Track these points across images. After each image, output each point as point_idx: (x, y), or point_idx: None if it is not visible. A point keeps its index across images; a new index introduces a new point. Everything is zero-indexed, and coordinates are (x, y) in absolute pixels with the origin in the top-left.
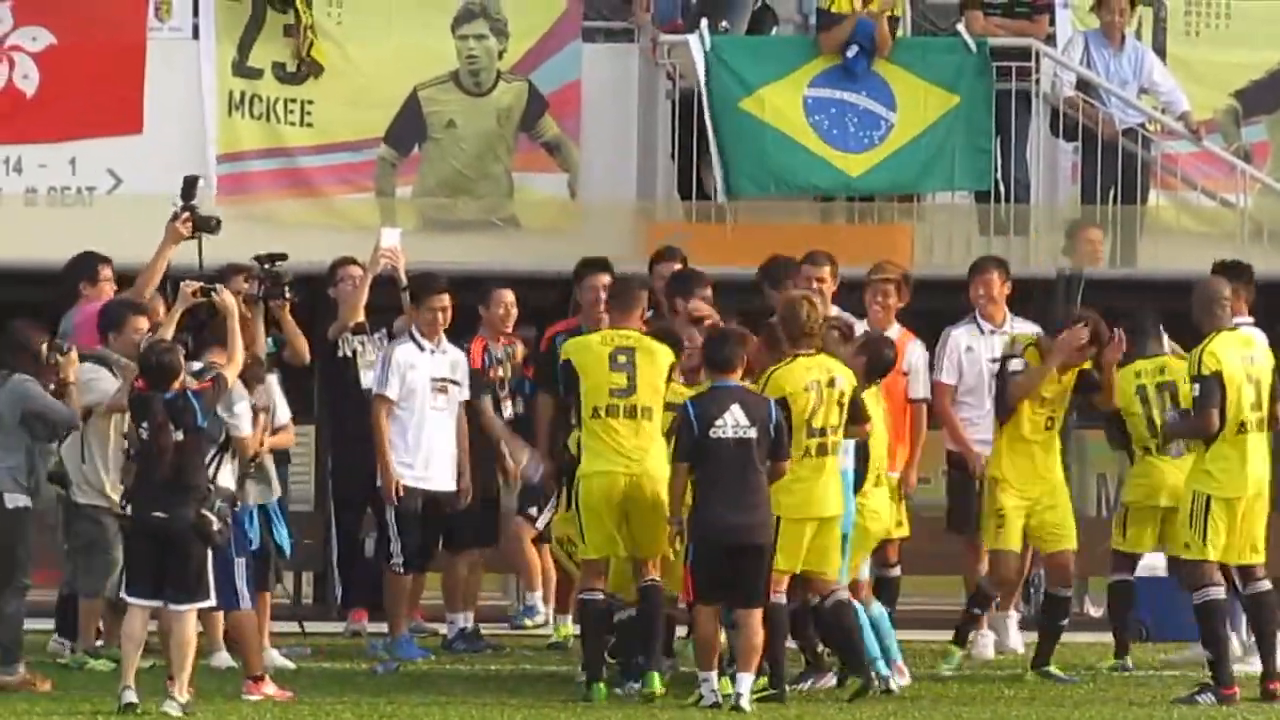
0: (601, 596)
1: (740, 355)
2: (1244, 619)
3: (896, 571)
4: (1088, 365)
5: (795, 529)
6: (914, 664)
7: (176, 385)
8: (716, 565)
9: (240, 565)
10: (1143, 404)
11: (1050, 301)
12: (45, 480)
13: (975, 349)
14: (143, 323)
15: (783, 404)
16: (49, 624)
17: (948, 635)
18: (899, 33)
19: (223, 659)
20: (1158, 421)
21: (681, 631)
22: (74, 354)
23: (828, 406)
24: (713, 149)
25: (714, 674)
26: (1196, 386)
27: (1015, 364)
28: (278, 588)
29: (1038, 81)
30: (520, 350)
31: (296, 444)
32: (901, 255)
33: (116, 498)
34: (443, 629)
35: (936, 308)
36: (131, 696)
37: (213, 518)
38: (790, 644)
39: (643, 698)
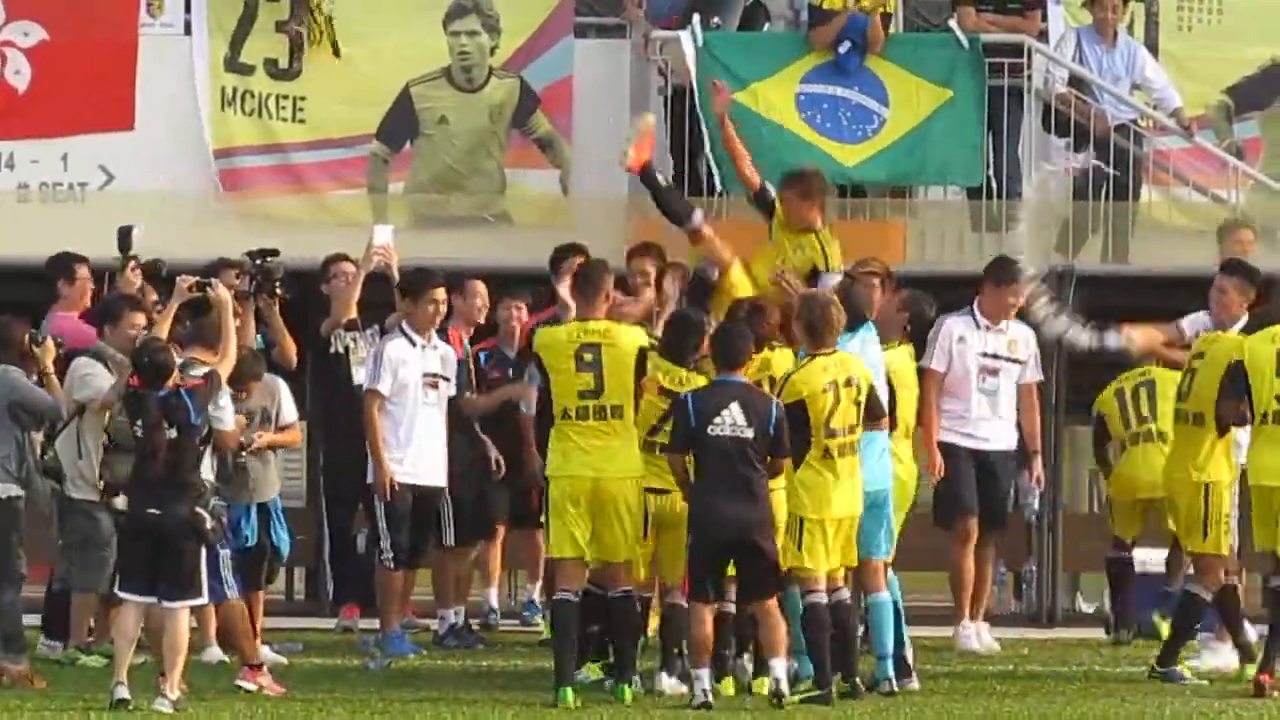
0: (573, 598)
1: (748, 350)
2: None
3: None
4: None
5: (816, 529)
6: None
7: (170, 383)
8: (712, 561)
9: (225, 556)
10: (1119, 403)
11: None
12: (35, 471)
13: (968, 340)
14: (139, 318)
15: (800, 407)
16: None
17: (937, 631)
18: (891, 29)
19: (214, 654)
20: (1132, 418)
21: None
22: (49, 343)
23: (845, 406)
24: (706, 144)
25: (705, 672)
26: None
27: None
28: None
29: (1030, 78)
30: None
31: None
32: (894, 251)
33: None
34: (434, 624)
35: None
36: (124, 693)
37: (206, 515)
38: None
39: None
